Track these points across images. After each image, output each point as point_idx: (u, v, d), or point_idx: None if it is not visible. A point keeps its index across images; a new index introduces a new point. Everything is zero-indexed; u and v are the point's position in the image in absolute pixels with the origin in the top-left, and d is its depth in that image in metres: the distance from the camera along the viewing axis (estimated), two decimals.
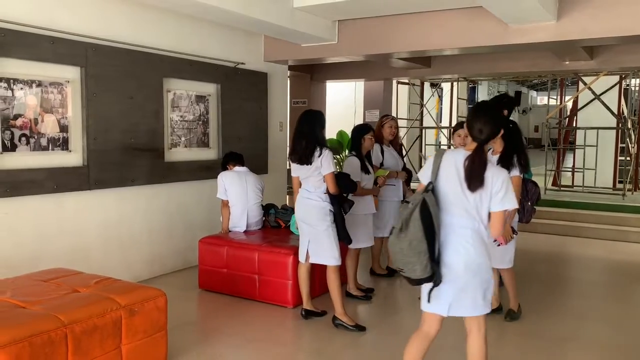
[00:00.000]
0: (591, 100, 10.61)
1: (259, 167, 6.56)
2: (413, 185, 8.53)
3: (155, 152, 5.47)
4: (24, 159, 4.41)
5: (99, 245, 5.03)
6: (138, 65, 5.24)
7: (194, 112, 6.02)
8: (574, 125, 11.63)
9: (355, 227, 4.55)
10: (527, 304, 4.61)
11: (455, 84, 11.95)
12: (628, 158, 10.01)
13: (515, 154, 3.93)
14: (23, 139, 4.40)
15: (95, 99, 4.86)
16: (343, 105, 12.11)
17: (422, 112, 11.93)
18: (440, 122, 14.12)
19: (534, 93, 31.93)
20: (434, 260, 2.61)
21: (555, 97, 13.57)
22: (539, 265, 6.47)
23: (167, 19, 5.56)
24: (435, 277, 2.64)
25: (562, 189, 10.56)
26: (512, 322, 4.34)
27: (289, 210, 5.41)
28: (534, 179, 4.52)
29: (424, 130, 12.25)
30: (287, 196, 7.86)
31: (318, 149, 4.03)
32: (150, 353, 3.31)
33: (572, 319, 4.57)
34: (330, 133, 9.73)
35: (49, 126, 4.58)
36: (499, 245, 3.49)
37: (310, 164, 4.04)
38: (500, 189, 2.61)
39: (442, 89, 13.88)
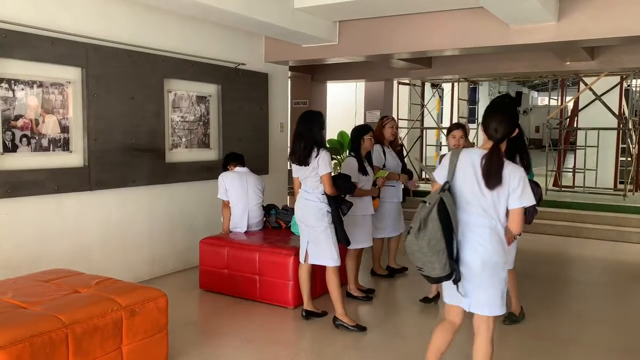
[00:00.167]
0: (592, 101, 10.62)
1: (259, 167, 6.57)
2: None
3: (156, 153, 5.48)
4: (24, 159, 4.42)
5: (99, 245, 5.03)
6: (139, 65, 5.25)
7: (194, 113, 6.03)
8: (575, 125, 11.63)
9: (353, 227, 4.55)
10: (528, 305, 4.60)
11: (456, 84, 11.95)
12: (629, 159, 10.00)
13: (518, 154, 3.93)
14: (24, 139, 4.40)
15: (96, 99, 4.87)
16: (344, 105, 12.12)
17: (422, 113, 11.93)
18: (441, 122, 14.11)
19: (534, 93, 31.92)
20: (452, 258, 2.65)
21: (556, 98, 13.55)
22: (540, 266, 6.46)
23: (168, 19, 5.57)
24: (454, 275, 2.68)
25: (563, 189, 10.55)
26: (513, 325, 4.32)
27: (290, 211, 5.41)
28: (534, 179, 4.51)
29: (424, 131, 12.25)
30: (288, 197, 7.86)
31: (315, 149, 4.04)
32: (151, 354, 3.31)
33: (574, 320, 4.56)
34: (331, 134, 9.75)
35: (49, 127, 4.58)
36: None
37: (308, 164, 4.05)
38: (518, 186, 2.64)
39: (442, 90, 13.88)
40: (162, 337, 3.39)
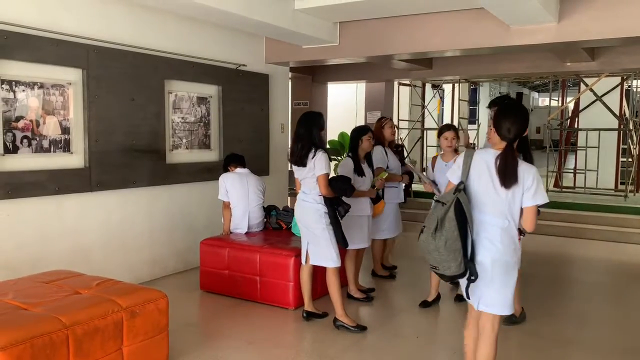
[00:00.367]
0: (593, 102, 10.62)
1: (260, 168, 6.57)
2: (415, 186, 8.57)
3: (157, 154, 5.48)
4: (25, 160, 4.42)
5: (100, 246, 5.03)
6: (139, 67, 5.25)
7: (195, 114, 6.03)
8: (576, 126, 11.63)
9: (349, 228, 4.50)
10: (528, 306, 4.59)
11: (456, 85, 11.96)
12: (630, 159, 10.00)
13: (521, 154, 3.93)
14: (25, 140, 4.41)
15: (97, 100, 4.87)
16: (344, 106, 12.12)
17: (423, 114, 11.94)
18: (442, 123, 14.11)
19: (535, 94, 31.88)
20: (467, 257, 2.69)
21: (556, 99, 13.55)
22: (541, 267, 6.45)
23: (169, 20, 5.57)
24: (470, 274, 2.71)
25: (563, 190, 10.55)
26: (512, 325, 4.31)
27: (291, 212, 5.41)
28: None
29: (425, 132, 12.25)
30: (289, 198, 7.86)
31: (313, 150, 4.04)
32: (152, 355, 3.31)
33: (574, 321, 4.56)
34: (332, 134, 9.74)
35: (50, 128, 4.58)
36: None
37: (305, 165, 4.06)
38: (532, 184, 2.67)
39: (443, 90, 13.90)
40: (163, 339, 3.39)
